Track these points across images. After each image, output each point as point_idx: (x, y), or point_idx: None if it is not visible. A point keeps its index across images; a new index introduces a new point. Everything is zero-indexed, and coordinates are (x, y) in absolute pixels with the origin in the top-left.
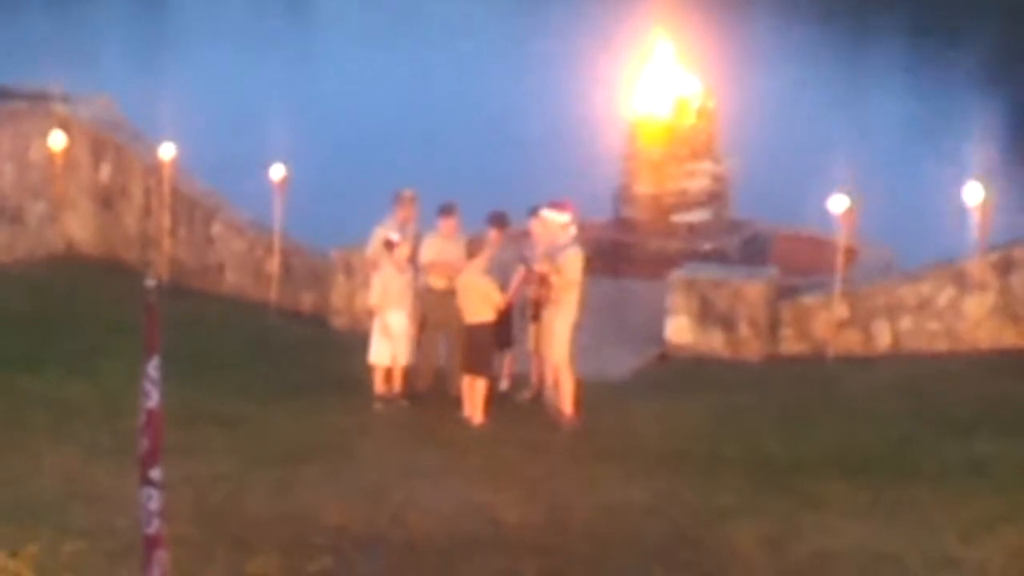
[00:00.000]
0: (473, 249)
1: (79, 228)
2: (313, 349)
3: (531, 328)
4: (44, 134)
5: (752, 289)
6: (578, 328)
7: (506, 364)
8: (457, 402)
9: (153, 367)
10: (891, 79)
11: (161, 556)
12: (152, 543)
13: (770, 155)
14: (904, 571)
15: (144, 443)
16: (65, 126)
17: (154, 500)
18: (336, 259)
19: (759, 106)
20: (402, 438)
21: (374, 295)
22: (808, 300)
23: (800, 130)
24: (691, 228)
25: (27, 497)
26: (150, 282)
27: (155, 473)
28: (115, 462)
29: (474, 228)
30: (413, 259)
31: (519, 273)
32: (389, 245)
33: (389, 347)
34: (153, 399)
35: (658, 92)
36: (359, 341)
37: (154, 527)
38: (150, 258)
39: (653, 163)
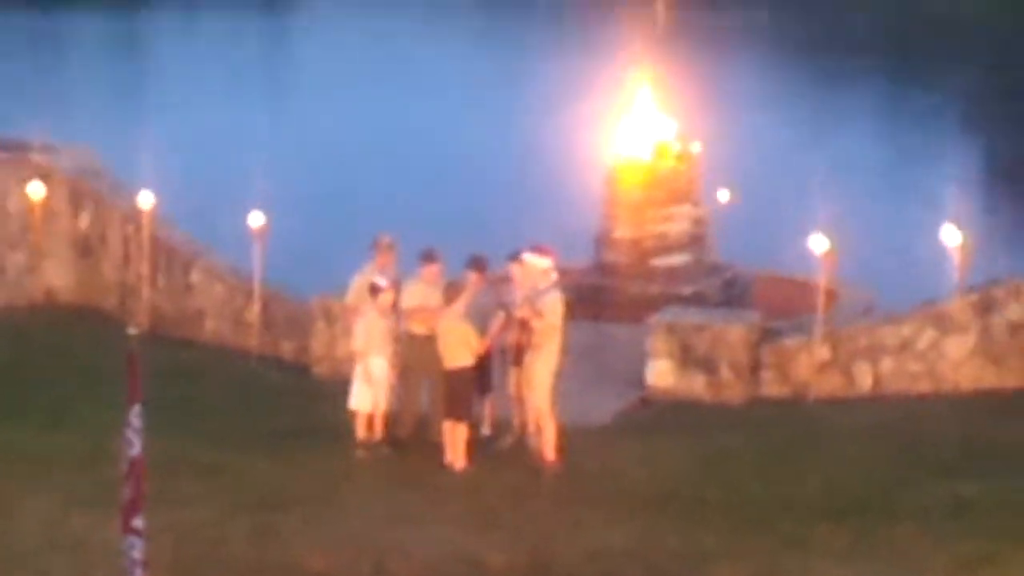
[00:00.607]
0: (451, 294)
1: (58, 277)
2: (294, 396)
3: (513, 373)
4: (23, 184)
5: (733, 332)
6: (559, 373)
7: (487, 409)
8: (439, 448)
9: (135, 415)
10: (870, 123)
11: None
12: None
13: (749, 198)
14: None
15: (126, 492)
16: (44, 176)
17: (136, 549)
18: (316, 306)
19: (738, 150)
20: (385, 484)
21: (358, 340)
22: (789, 343)
23: (779, 174)
24: (671, 272)
25: (6, 545)
26: (132, 330)
27: (138, 522)
28: (95, 511)
29: (455, 273)
30: (395, 305)
31: (499, 318)
32: (375, 290)
33: (371, 393)
34: (135, 447)
35: (638, 136)
36: (340, 388)
37: None
38: (131, 306)
39: (633, 207)
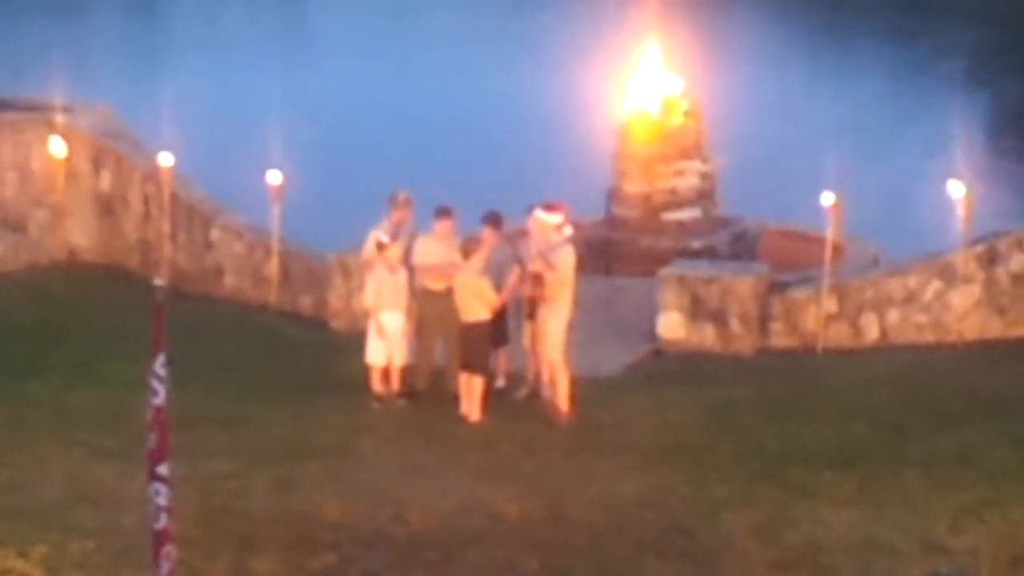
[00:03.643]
0: (468, 249)
1: (80, 235)
2: (312, 350)
3: (527, 326)
4: (45, 143)
5: (742, 284)
6: (572, 326)
7: (502, 361)
8: (455, 400)
9: (160, 365)
10: (876, 78)
11: (170, 551)
12: (161, 538)
13: (758, 153)
14: (895, 557)
15: (152, 439)
16: (65, 135)
17: (162, 495)
18: (333, 262)
19: (746, 105)
20: (401, 436)
21: (368, 296)
22: (797, 295)
23: (786, 129)
24: (681, 226)
25: (34, 499)
26: (158, 281)
27: (163, 469)
28: (119, 464)
29: (470, 229)
30: (407, 260)
31: (514, 273)
32: (380, 246)
33: (384, 347)
34: (160, 396)
35: (647, 93)
36: (357, 342)
37: (163, 522)
38: (153, 263)
39: (643, 162)
